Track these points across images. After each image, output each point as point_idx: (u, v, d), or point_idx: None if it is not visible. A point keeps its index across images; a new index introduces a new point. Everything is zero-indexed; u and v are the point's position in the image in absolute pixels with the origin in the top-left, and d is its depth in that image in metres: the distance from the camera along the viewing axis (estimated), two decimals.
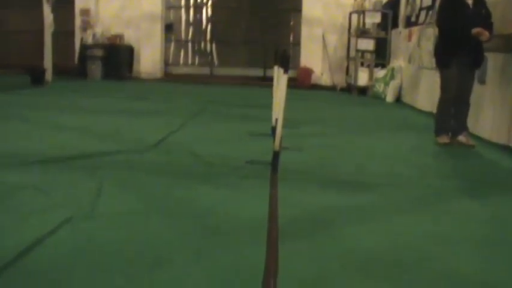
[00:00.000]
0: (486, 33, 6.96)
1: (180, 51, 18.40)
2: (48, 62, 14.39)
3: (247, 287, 2.93)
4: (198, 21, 18.35)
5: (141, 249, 3.43)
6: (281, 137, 5.57)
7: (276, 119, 6.19)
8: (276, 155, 5.55)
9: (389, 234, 3.90)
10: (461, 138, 7.51)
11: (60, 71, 15.32)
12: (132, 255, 3.32)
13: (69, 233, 3.60)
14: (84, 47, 16.41)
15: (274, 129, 6.80)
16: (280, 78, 6.16)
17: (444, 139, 7.56)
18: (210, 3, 18.23)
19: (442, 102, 7.58)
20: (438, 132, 7.66)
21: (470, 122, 8.43)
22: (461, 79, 7.34)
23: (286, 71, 5.65)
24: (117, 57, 16.38)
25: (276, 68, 7.39)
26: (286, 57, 5.95)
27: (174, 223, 3.91)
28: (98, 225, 3.80)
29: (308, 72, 16.30)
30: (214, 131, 8.12)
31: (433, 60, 10.62)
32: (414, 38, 12.47)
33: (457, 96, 7.42)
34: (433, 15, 11.17)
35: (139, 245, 3.49)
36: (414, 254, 3.54)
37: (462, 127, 7.57)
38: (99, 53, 16.15)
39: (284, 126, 5.64)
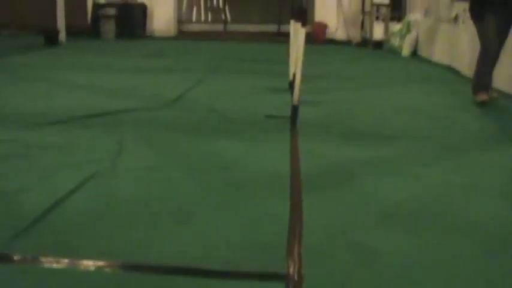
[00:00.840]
0: None
1: (193, 8, 18.27)
2: (61, 23, 14.36)
3: (273, 238, 2.95)
4: None
5: (165, 203, 3.46)
6: (299, 91, 5.56)
7: (294, 74, 6.17)
8: (295, 108, 5.55)
9: (410, 186, 3.91)
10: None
11: (74, 32, 15.26)
12: (156, 209, 3.35)
13: (94, 189, 3.64)
14: (96, 6, 16.30)
15: (291, 83, 6.78)
16: (297, 32, 6.11)
17: (483, 96, 6.82)
18: None
19: (481, 58, 6.90)
20: (476, 89, 6.92)
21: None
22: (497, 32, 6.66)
23: (303, 25, 5.61)
24: (130, 15, 16.26)
25: (292, 22, 7.34)
26: (303, 11, 5.90)
27: (196, 177, 3.93)
28: (122, 181, 3.84)
29: (323, 26, 16.16)
30: (231, 86, 8.10)
31: (450, 13, 10.56)
32: None
33: None
34: None
35: (163, 199, 3.52)
36: (435, 205, 3.55)
37: None
38: (112, 11, 16.03)
39: (301, 80, 5.62)
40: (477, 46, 8.93)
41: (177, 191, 3.66)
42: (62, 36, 14.35)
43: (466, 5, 9.55)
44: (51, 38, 13.82)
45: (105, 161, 4.23)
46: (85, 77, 8.73)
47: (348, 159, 4.48)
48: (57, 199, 3.40)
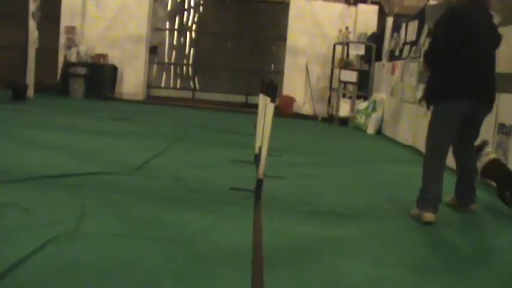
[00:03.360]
0: None
1: (162, 74, 18.44)
2: (30, 78, 14.36)
3: None
4: (182, 44, 18.43)
5: (125, 272, 3.42)
6: (265, 165, 5.60)
7: (260, 147, 6.22)
8: (259, 182, 5.58)
9: (372, 266, 3.93)
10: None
11: (42, 88, 15.26)
12: (115, 278, 3.32)
13: (54, 253, 3.59)
14: (67, 64, 16.35)
15: (257, 156, 6.83)
16: (266, 107, 6.18)
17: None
18: (194, 27, 18.32)
19: None
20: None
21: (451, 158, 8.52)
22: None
23: (273, 100, 5.69)
24: (100, 76, 16.35)
25: (261, 96, 7.42)
26: (274, 86, 5.98)
27: (158, 247, 3.90)
28: (83, 246, 3.79)
29: (290, 100, 16.39)
30: (197, 155, 8.12)
31: (416, 95, 10.79)
32: (397, 72, 12.62)
33: None
34: (416, 50, 11.33)
35: (123, 267, 3.49)
36: (397, 285, 3.58)
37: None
38: (82, 71, 16.11)
39: (267, 154, 5.66)
40: None
41: (139, 260, 3.62)
42: (30, 91, 14.33)
43: None
44: (19, 93, 13.78)
45: (67, 224, 4.19)
46: (50, 135, 8.69)
47: (310, 237, 4.49)
48: (13, 263, 3.32)
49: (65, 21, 16.82)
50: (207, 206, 5.15)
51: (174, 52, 18.48)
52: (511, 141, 6.68)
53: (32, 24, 14.21)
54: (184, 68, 18.51)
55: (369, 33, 15.96)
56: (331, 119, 15.62)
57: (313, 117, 16.28)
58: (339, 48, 15.85)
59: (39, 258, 3.48)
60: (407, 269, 3.94)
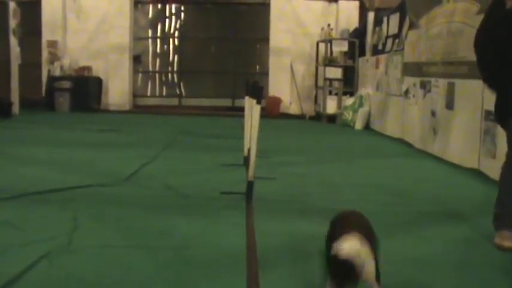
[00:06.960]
0: None
1: (148, 83, 18.40)
2: (15, 95, 14.29)
3: None
4: (165, 52, 18.40)
5: (121, 282, 3.40)
6: (254, 167, 5.59)
7: (249, 149, 6.21)
8: (250, 184, 5.56)
9: None
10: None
11: (27, 104, 15.19)
12: None
13: (47, 268, 3.56)
14: (51, 79, 16.27)
15: (246, 159, 6.82)
16: (252, 109, 6.18)
17: (506, 241, 4.34)
18: (177, 34, 18.29)
19: (505, 173, 4.48)
20: (497, 222, 4.48)
21: (439, 147, 8.55)
22: None
23: (259, 102, 5.69)
24: (85, 89, 16.29)
25: (247, 98, 7.42)
26: (259, 88, 5.98)
27: (153, 255, 3.89)
28: (76, 259, 3.77)
29: (276, 101, 16.39)
30: (186, 162, 8.10)
31: (401, 87, 10.83)
32: (381, 66, 12.64)
33: None
34: (399, 43, 11.35)
35: (120, 278, 3.47)
36: (394, 279, 3.56)
37: None
38: (66, 85, 16.03)
39: (256, 155, 5.66)
40: (427, 119, 9.19)
41: (135, 270, 3.60)
42: (16, 108, 14.26)
43: (416, 80, 9.88)
44: (4, 110, 13.70)
45: (59, 239, 4.16)
46: (38, 151, 8.65)
47: (304, 236, 4.47)
48: (7, 280, 3.30)
49: (46, 35, 16.73)
50: (199, 211, 5.15)
51: (158, 60, 18.44)
52: (498, 128, 6.69)
53: (13, 41, 14.15)
54: (169, 75, 18.48)
55: (351, 29, 16.00)
56: (318, 117, 15.62)
57: (301, 117, 16.29)
58: (322, 45, 15.87)
59: (33, 274, 3.45)
60: (404, 264, 3.92)
